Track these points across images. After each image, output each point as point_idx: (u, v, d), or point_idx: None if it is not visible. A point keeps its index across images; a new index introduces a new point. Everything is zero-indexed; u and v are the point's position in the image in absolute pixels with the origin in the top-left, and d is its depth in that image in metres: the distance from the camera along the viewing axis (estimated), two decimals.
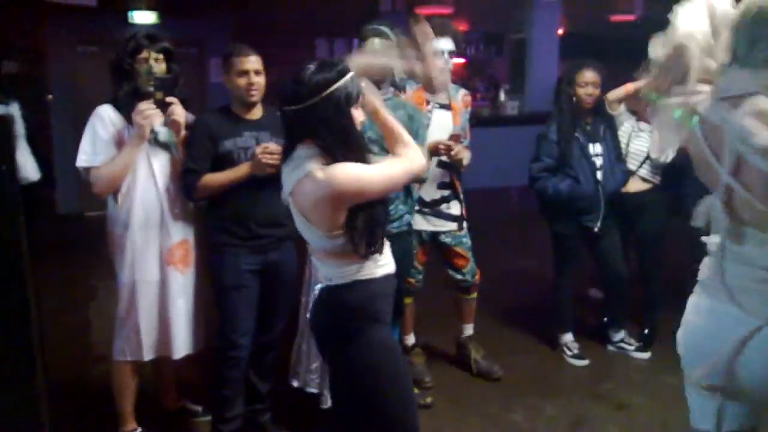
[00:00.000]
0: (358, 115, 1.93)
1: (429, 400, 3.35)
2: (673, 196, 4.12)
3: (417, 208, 3.34)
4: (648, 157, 3.84)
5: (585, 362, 3.85)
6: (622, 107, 3.87)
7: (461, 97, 3.52)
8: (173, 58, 2.81)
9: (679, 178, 4.07)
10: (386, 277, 2.08)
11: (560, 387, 3.63)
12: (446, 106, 3.45)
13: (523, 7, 9.15)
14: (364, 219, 1.93)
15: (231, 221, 2.76)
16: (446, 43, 3.34)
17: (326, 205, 1.88)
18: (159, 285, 2.83)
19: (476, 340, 3.80)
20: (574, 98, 3.63)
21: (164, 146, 2.78)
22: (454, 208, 3.53)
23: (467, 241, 3.58)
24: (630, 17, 9.08)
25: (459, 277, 3.61)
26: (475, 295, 3.70)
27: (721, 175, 1.65)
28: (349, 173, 1.86)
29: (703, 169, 1.74)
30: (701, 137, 1.69)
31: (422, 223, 3.46)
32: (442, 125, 3.39)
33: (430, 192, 3.46)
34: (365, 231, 1.93)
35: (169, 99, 2.72)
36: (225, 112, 2.83)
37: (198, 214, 2.96)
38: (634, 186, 3.87)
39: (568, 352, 3.89)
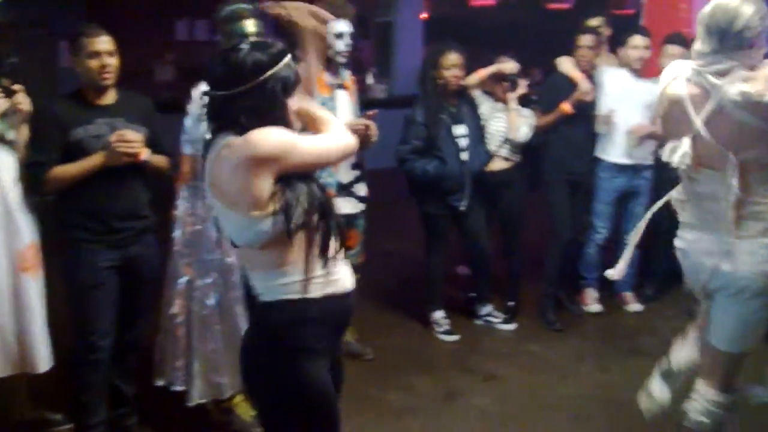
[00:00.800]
0: (293, 105, 1.74)
1: None
2: (531, 173, 4.35)
3: (333, 190, 3.31)
4: (506, 137, 4.01)
5: (455, 337, 3.98)
6: (478, 90, 4.01)
7: (349, 77, 3.52)
8: (12, 39, 2.58)
9: (536, 157, 4.31)
10: (331, 299, 1.80)
11: (433, 363, 3.74)
12: (342, 86, 3.45)
13: None
14: (303, 192, 1.69)
15: (85, 216, 2.60)
16: (345, 25, 3.33)
17: (244, 170, 1.61)
18: (12, 295, 2.61)
19: (351, 322, 3.81)
20: (440, 81, 3.73)
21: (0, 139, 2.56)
22: (362, 188, 3.53)
23: (363, 222, 3.59)
24: (490, 2, 9.42)
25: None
26: (357, 276, 3.70)
27: (695, 125, 2.16)
28: (269, 133, 1.64)
29: (676, 124, 2.26)
30: (687, 100, 2.19)
31: (344, 207, 3.41)
32: (344, 106, 3.41)
33: (346, 174, 3.44)
34: (302, 208, 1.67)
35: (15, 86, 2.49)
36: (75, 97, 2.64)
37: (41, 211, 2.75)
38: (496, 165, 4.03)
39: (439, 329, 4.01)
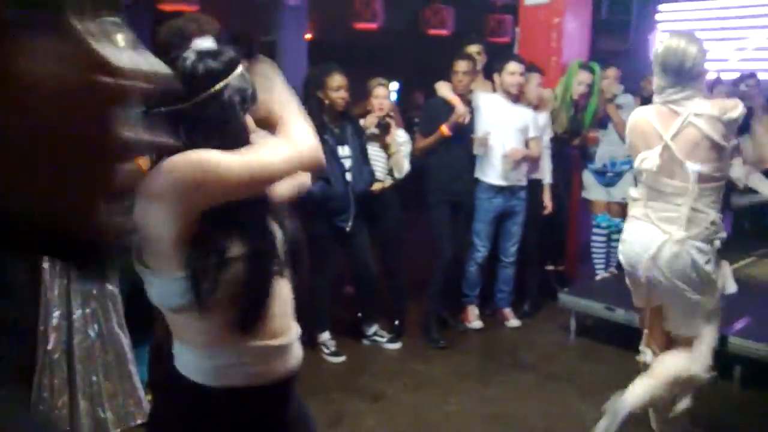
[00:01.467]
0: (249, 123, 1.47)
1: None
2: (414, 193, 4.46)
3: None
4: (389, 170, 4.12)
5: (342, 358, 3.98)
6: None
7: None
8: None
9: (419, 178, 4.42)
10: (248, 391, 1.43)
11: (319, 385, 3.70)
12: None
13: (272, 10, 9.20)
14: (232, 248, 1.33)
15: None
16: (210, 42, 3.23)
17: (158, 205, 1.28)
18: None
19: None
20: (326, 101, 3.73)
21: None
22: None
23: None
24: (372, 26, 9.59)
25: None
26: None
27: (664, 138, 2.64)
28: (189, 155, 1.32)
29: (645, 140, 2.72)
30: (656, 119, 2.69)
31: None
32: None
33: None
34: (215, 262, 1.31)
35: None
36: None
37: None
38: (376, 186, 4.10)
39: (326, 350, 3.99)
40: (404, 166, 4.16)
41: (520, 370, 3.87)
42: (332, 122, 3.81)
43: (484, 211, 4.38)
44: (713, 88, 6.03)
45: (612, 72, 5.06)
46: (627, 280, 2.97)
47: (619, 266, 5.23)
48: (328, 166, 3.73)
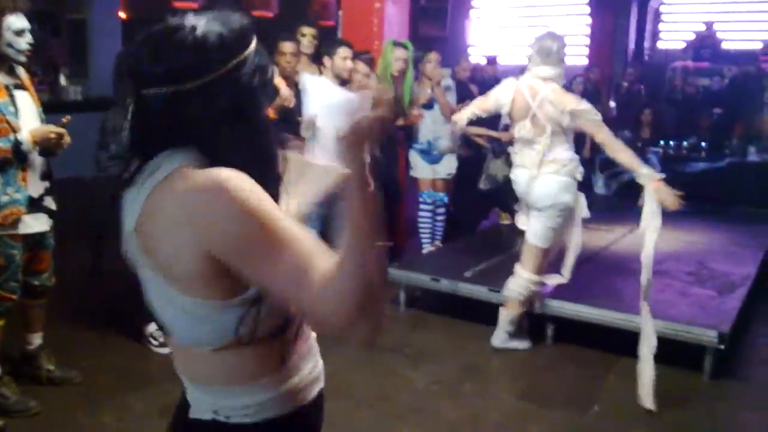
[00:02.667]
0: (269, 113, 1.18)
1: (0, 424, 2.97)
2: None
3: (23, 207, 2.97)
4: None
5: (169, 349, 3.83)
6: None
7: (25, 74, 3.16)
8: None
9: None
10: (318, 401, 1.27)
11: (149, 379, 3.56)
12: (21, 86, 3.09)
13: None
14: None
15: None
16: (25, 21, 2.97)
17: (204, 224, 1.02)
18: None
19: (48, 348, 3.45)
20: None
21: None
22: (52, 202, 3.18)
23: (52, 239, 3.25)
24: (192, 5, 9.25)
25: (36, 282, 3.23)
26: (46, 299, 3.36)
27: (532, 107, 3.65)
28: (246, 183, 1.03)
29: (519, 110, 3.72)
30: (527, 92, 3.67)
31: (34, 224, 3.06)
32: (28, 107, 3.06)
33: (36, 185, 3.07)
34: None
35: None
36: None
37: None
38: None
39: (154, 342, 3.83)
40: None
41: (353, 344, 3.96)
42: None
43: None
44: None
45: (433, 56, 5.29)
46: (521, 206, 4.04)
47: (443, 240, 5.56)
48: None
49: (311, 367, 1.26)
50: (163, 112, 1.07)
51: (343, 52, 4.37)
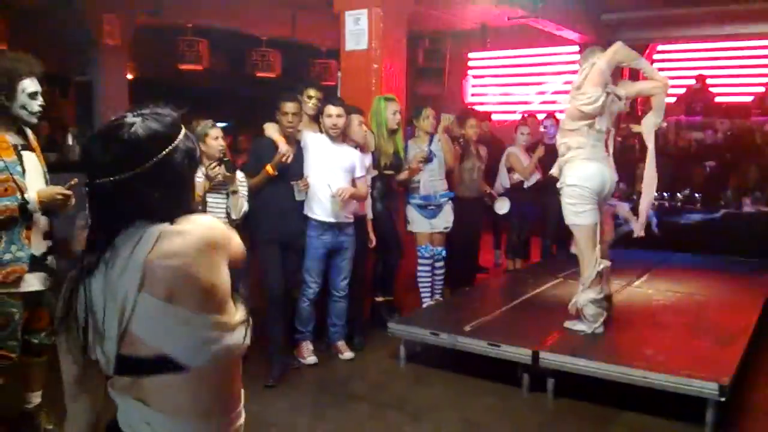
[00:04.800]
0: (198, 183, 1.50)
1: None
2: (243, 234, 4.45)
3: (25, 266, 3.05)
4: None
5: None
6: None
7: (32, 135, 3.27)
8: None
9: (249, 217, 4.42)
10: None
11: None
12: (28, 147, 3.20)
13: (87, 50, 8.80)
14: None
15: None
16: (38, 84, 3.10)
17: (212, 257, 1.34)
18: None
19: (47, 407, 3.44)
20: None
21: None
22: (52, 260, 3.25)
23: (52, 299, 3.27)
24: (198, 67, 9.51)
25: (35, 340, 3.27)
26: (46, 357, 3.38)
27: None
28: (215, 224, 1.42)
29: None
30: None
31: (34, 283, 3.11)
32: (34, 167, 3.17)
33: (39, 244, 3.15)
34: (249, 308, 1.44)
35: None
36: None
37: None
38: None
39: None
40: (243, 207, 4.16)
41: (354, 401, 3.96)
42: None
43: (314, 248, 4.47)
44: (517, 128, 6.68)
45: (430, 111, 5.46)
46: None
47: (442, 294, 5.58)
48: None
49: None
50: (113, 197, 1.33)
51: (328, 110, 4.50)
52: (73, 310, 1.34)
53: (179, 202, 1.39)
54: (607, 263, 4.28)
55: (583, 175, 4.15)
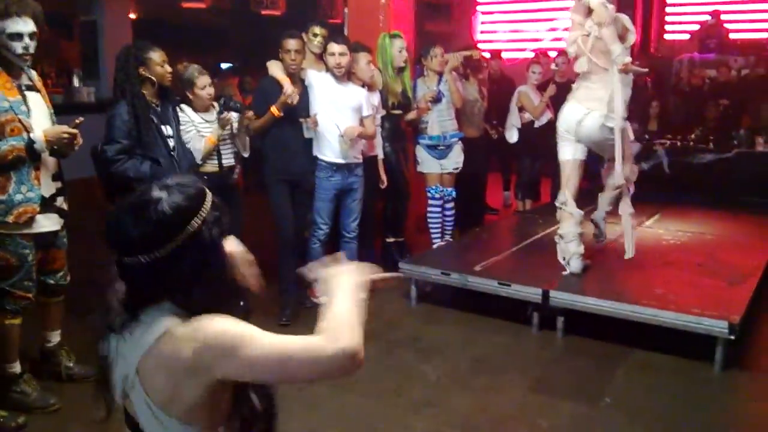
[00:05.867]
0: (230, 246, 1.41)
1: (21, 420, 3.04)
2: (253, 175, 4.43)
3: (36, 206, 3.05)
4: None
5: None
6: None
7: (36, 76, 3.22)
8: None
9: (258, 159, 4.40)
10: None
11: None
12: (33, 87, 3.16)
13: None
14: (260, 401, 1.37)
15: None
16: (24, 24, 3.01)
17: (191, 374, 1.25)
18: None
19: (67, 345, 3.51)
20: (151, 78, 3.57)
21: None
22: (63, 202, 3.24)
23: (66, 239, 3.30)
24: (201, 5, 9.31)
25: (51, 281, 3.30)
26: (63, 297, 3.42)
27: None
28: (224, 326, 1.26)
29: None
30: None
31: (46, 224, 3.12)
32: (40, 108, 3.14)
33: (48, 185, 3.14)
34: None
35: None
36: None
37: None
38: (208, 167, 4.03)
39: None
40: (248, 142, 4.14)
41: (367, 339, 3.94)
42: (154, 99, 3.64)
43: (324, 189, 4.45)
44: (529, 66, 6.54)
45: (438, 50, 5.32)
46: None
47: (452, 235, 5.59)
48: (154, 144, 3.59)
49: None
50: (141, 277, 1.29)
51: (331, 48, 4.38)
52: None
53: (208, 281, 1.32)
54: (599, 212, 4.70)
55: (560, 114, 4.42)
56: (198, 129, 4.00)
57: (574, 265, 4.30)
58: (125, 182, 3.53)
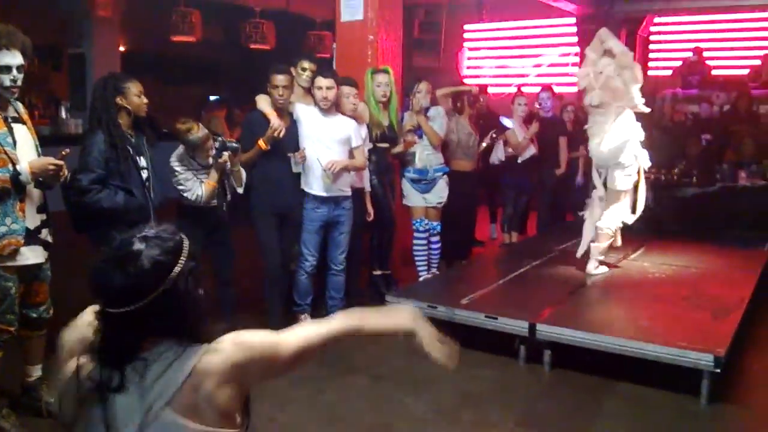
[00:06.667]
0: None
1: None
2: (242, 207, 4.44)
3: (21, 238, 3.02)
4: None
5: None
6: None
7: (23, 108, 3.23)
8: None
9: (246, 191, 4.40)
10: None
11: None
12: (19, 119, 3.16)
13: (80, 22, 8.69)
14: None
15: None
16: (14, 57, 3.02)
17: (231, 386, 1.43)
18: None
19: (48, 380, 3.44)
20: (129, 108, 3.56)
21: None
22: (48, 234, 3.22)
23: (49, 272, 3.28)
24: (191, 39, 9.38)
25: (34, 314, 3.26)
26: (45, 331, 3.37)
27: None
28: (252, 339, 1.49)
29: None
30: None
31: (30, 256, 3.09)
32: (26, 140, 3.13)
33: (33, 217, 3.11)
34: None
35: None
36: None
37: None
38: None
39: None
40: (244, 178, 4.16)
41: (353, 373, 3.97)
42: (129, 130, 3.62)
43: (310, 221, 4.46)
44: (514, 100, 6.64)
45: (423, 86, 5.39)
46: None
47: (438, 267, 5.59)
48: (128, 175, 3.56)
49: None
50: (126, 324, 1.40)
51: (318, 82, 4.44)
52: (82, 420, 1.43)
53: (196, 317, 1.47)
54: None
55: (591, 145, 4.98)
56: (198, 177, 4.02)
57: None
58: (97, 213, 3.50)
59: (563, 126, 7.03)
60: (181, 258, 1.44)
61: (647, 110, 4.81)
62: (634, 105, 4.70)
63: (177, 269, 1.42)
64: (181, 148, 4.05)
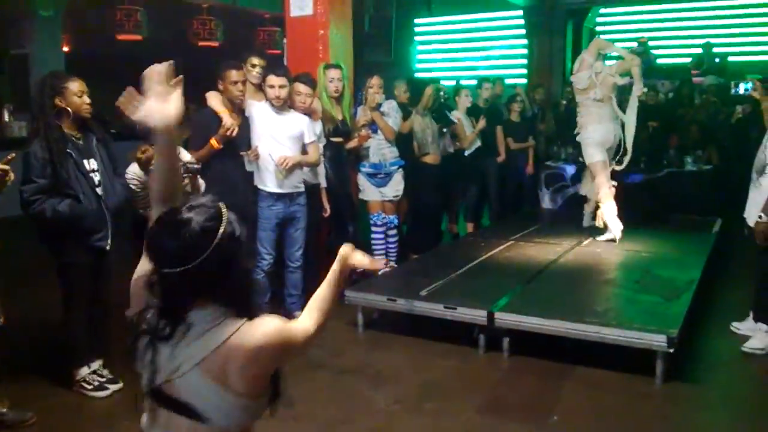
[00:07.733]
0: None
1: None
2: None
3: None
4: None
5: (108, 391, 3.62)
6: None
7: None
8: None
9: None
10: None
11: (105, 418, 3.47)
12: None
13: (23, 22, 8.41)
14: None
15: None
16: None
17: (258, 365, 1.55)
18: None
19: (0, 390, 3.33)
20: (69, 109, 3.42)
21: None
22: None
23: None
24: (137, 37, 9.18)
25: None
26: None
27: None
28: (277, 325, 1.58)
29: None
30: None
31: None
32: None
33: None
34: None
35: None
36: None
37: None
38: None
39: (87, 387, 3.62)
40: (202, 186, 4.01)
41: (314, 368, 3.95)
42: (74, 132, 3.48)
43: (266, 219, 4.41)
44: (456, 92, 6.76)
45: (375, 81, 5.39)
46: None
47: (397, 260, 5.60)
48: (74, 181, 3.42)
49: None
50: (178, 284, 1.52)
51: (269, 80, 4.40)
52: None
53: (237, 280, 1.58)
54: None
55: (597, 131, 5.76)
56: None
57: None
58: (47, 224, 3.38)
59: (500, 115, 7.29)
60: (223, 223, 1.56)
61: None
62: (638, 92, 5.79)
63: (221, 232, 1.54)
64: (137, 168, 3.76)
